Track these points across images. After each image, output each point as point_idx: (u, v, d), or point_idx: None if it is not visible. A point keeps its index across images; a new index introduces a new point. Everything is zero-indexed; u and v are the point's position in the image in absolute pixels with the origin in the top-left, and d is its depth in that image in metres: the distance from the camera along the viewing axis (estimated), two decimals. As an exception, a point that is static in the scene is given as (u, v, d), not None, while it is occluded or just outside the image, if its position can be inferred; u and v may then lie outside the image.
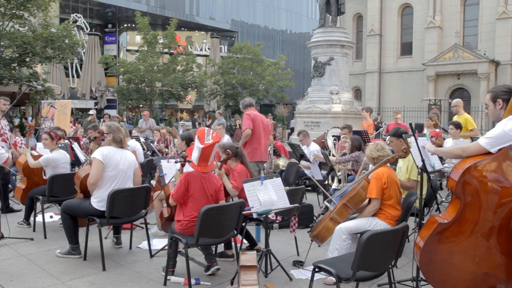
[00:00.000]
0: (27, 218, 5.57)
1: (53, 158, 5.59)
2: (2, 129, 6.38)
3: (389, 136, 5.45)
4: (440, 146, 8.03)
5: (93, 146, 6.06)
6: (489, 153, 2.77)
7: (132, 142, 7.17)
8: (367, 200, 4.09)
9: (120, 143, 4.44)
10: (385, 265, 3.10)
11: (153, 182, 5.60)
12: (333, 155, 7.03)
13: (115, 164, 4.31)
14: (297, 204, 4.31)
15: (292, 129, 18.32)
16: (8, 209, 6.35)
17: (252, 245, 4.60)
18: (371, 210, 3.90)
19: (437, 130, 8.65)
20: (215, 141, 3.83)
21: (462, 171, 2.77)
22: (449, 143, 7.14)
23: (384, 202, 3.88)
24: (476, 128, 8.38)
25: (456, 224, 2.79)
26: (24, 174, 5.84)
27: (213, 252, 4.23)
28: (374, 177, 3.88)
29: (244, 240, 4.58)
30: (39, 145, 7.22)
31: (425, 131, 8.45)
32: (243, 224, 4.20)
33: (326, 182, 6.69)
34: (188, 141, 5.12)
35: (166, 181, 4.68)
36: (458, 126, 7.08)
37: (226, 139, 8.67)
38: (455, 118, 8.02)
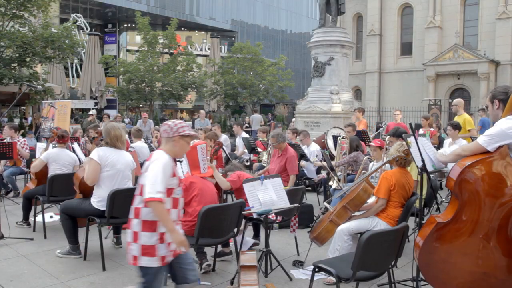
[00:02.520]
0: (26, 218, 5.56)
1: (52, 153, 5.53)
2: None
3: (388, 136, 5.45)
4: (435, 145, 8.05)
5: (92, 146, 6.05)
6: (488, 152, 2.77)
7: (139, 143, 7.16)
8: (369, 200, 4.09)
9: (117, 144, 4.45)
10: (385, 265, 3.11)
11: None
12: (333, 155, 7.04)
13: (112, 164, 4.32)
14: (297, 204, 4.32)
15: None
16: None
17: (256, 235, 4.86)
18: (377, 209, 3.92)
19: (431, 129, 8.63)
20: (196, 144, 4.03)
21: (460, 171, 2.77)
22: (448, 143, 7.15)
23: (388, 201, 3.89)
24: (474, 128, 8.37)
25: (454, 223, 2.79)
26: (35, 175, 5.76)
27: (204, 250, 4.22)
28: (384, 177, 3.88)
29: (247, 239, 4.60)
30: (39, 146, 7.22)
31: (420, 131, 8.39)
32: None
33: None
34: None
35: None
36: (456, 127, 7.07)
37: (223, 138, 8.68)
38: (455, 119, 8.02)
